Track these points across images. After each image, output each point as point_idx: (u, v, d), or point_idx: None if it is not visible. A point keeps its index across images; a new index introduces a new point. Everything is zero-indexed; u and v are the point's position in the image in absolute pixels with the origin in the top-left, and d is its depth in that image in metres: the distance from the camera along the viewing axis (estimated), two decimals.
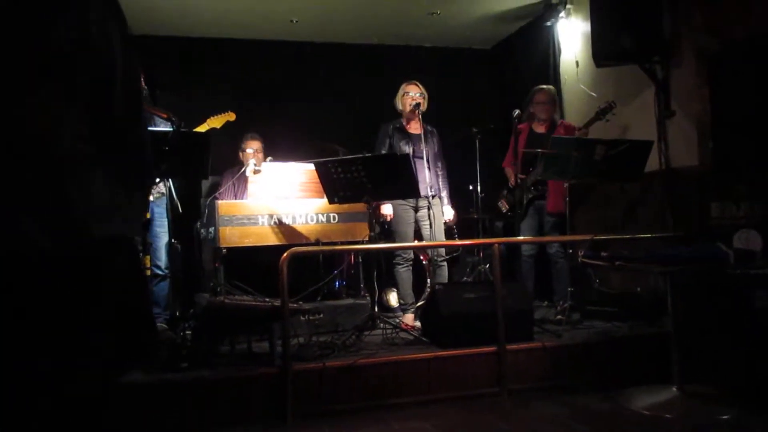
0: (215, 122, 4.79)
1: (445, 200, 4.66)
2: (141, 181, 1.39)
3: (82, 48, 1.21)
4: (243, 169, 4.60)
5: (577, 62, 5.25)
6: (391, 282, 4.97)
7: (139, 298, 1.42)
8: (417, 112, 4.46)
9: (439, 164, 4.67)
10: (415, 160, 4.36)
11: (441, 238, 4.53)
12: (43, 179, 1.15)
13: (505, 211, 4.97)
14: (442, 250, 4.61)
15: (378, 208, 4.56)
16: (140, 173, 1.38)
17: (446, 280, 4.56)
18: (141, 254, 3.26)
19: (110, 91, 1.26)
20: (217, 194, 4.45)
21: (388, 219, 4.56)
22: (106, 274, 1.28)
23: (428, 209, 4.35)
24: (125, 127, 1.32)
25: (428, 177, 4.40)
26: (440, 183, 4.66)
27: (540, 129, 4.66)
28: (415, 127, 4.60)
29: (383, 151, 4.52)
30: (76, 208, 1.18)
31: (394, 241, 4.60)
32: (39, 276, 1.15)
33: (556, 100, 4.76)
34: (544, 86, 4.77)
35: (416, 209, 4.48)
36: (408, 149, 4.45)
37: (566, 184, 4.12)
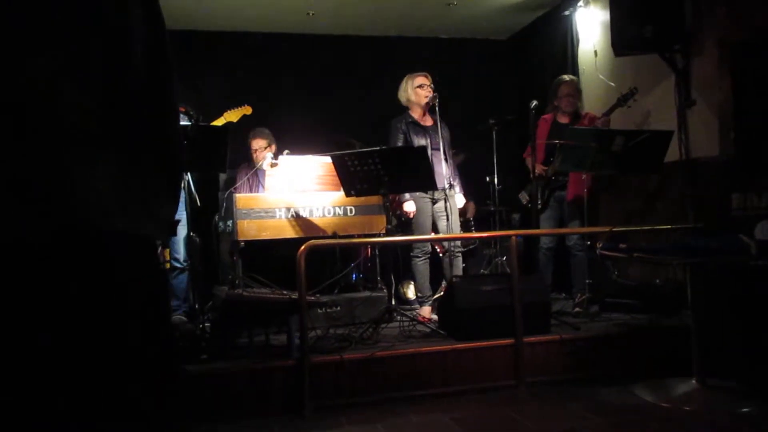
0: (232, 116, 4.81)
1: (457, 188, 4.62)
2: (170, 175, 1.26)
3: (93, 18, 1.12)
4: (260, 163, 4.61)
5: (595, 52, 5.19)
6: (408, 275, 4.98)
7: (157, 324, 1.26)
8: (436, 103, 4.35)
9: (450, 154, 4.63)
10: (432, 152, 4.35)
11: (457, 230, 4.51)
12: (38, 157, 1.04)
13: (525, 202, 4.94)
14: (458, 242, 4.59)
15: (400, 205, 4.54)
16: (170, 165, 1.25)
17: (461, 272, 4.54)
18: (162, 259, 3.22)
19: (127, 72, 1.16)
20: (233, 188, 4.48)
21: (411, 216, 4.50)
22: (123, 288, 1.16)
23: (445, 201, 4.34)
24: (150, 112, 1.20)
25: (444, 169, 4.39)
26: (453, 173, 4.62)
27: (564, 120, 4.60)
28: (427, 120, 4.56)
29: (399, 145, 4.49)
30: (79, 195, 1.06)
31: (411, 234, 4.59)
32: (35, 275, 1.05)
33: (579, 90, 4.71)
34: (567, 77, 4.70)
35: (434, 201, 4.46)
36: (425, 142, 4.43)
37: (584, 176, 4.08)
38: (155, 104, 1.22)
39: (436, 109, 4.33)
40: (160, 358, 1.28)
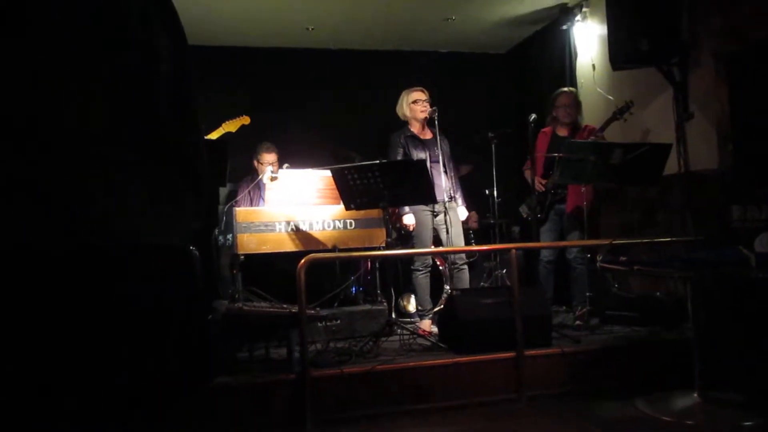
0: (230, 126, 4.83)
1: (459, 201, 4.63)
2: (195, 187, 1.29)
3: (120, 46, 1.16)
4: (260, 177, 4.63)
5: (593, 65, 5.22)
6: (408, 288, 4.97)
7: (190, 314, 1.31)
8: (435, 117, 4.37)
9: (451, 167, 4.65)
10: (432, 165, 4.36)
11: (459, 243, 4.50)
12: (64, 178, 1.08)
13: (525, 216, 4.94)
14: (463, 256, 4.57)
15: (399, 218, 4.55)
16: (194, 178, 1.29)
17: (467, 285, 4.53)
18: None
19: (154, 95, 1.20)
20: (234, 202, 4.49)
21: (411, 229, 4.51)
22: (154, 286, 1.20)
23: (445, 214, 4.34)
24: (175, 127, 1.24)
25: (444, 182, 4.40)
26: (454, 185, 4.64)
27: (563, 132, 4.61)
28: (426, 133, 4.58)
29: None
30: (100, 208, 1.11)
31: (412, 247, 4.59)
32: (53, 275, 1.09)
33: (579, 102, 4.71)
34: (566, 89, 4.73)
35: (435, 214, 4.46)
36: (424, 155, 4.44)
37: (584, 189, 4.09)
38: (180, 119, 1.26)
39: (435, 122, 4.35)
40: (195, 361, 1.36)
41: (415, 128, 4.57)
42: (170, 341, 1.23)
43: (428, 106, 4.47)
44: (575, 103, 4.65)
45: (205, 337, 1.31)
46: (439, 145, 4.37)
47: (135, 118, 1.17)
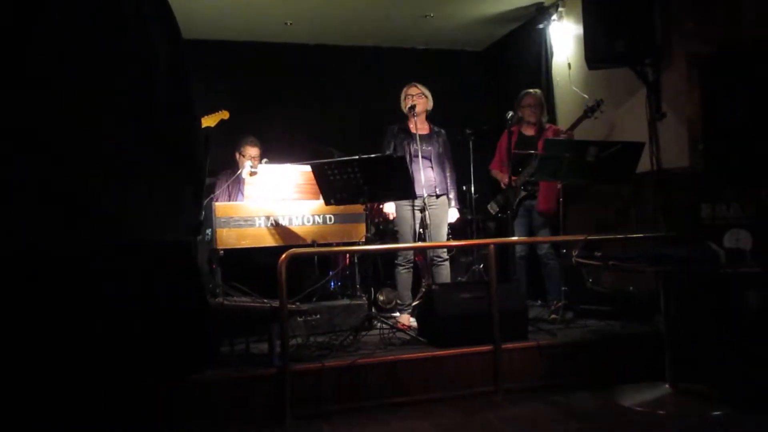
0: (209, 121, 4.79)
1: (452, 202, 4.66)
2: (196, 184, 1.31)
3: (118, 44, 1.16)
4: (239, 171, 4.62)
5: (569, 64, 5.31)
6: (386, 282, 5.01)
7: (192, 303, 1.31)
8: (413, 113, 4.48)
9: (446, 164, 4.67)
10: (422, 160, 4.40)
11: (440, 239, 4.55)
12: (69, 179, 1.10)
13: (494, 213, 5.02)
14: (444, 251, 4.62)
15: (380, 210, 4.59)
16: (195, 175, 1.31)
17: (448, 280, 4.58)
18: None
19: (154, 89, 1.21)
20: (213, 196, 4.47)
21: (391, 218, 4.59)
22: (155, 279, 1.22)
23: (425, 210, 4.38)
24: (174, 125, 1.25)
25: (431, 177, 4.46)
26: (448, 183, 4.65)
27: (529, 132, 4.72)
28: (420, 128, 4.62)
29: (388, 152, 4.55)
30: (105, 209, 1.12)
31: (394, 241, 4.64)
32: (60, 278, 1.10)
33: (543, 103, 4.79)
34: (531, 90, 4.82)
35: (420, 209, 4.50)
36: (411, 149, 4.47)
37: (559, 185, 4.17)
38: (180, 118, 1.28)
39: (420, 116, 4.48)
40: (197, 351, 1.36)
41: (411, 122, 4.61)
42: (167, 337, 1.25)
43: (417, 101, 4.53)
44: (539, 104, 4.74)
45: (204, 328, 1.32)
46: (428, 140, 4.43)
47: (136, 115, 1.18)
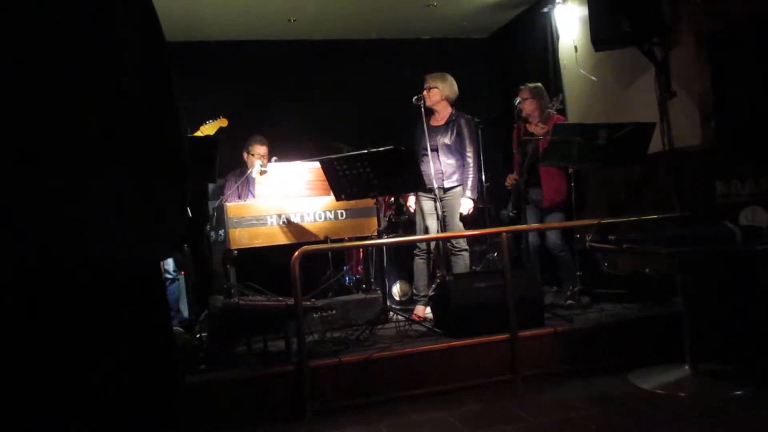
0: (208, 129, 4.81)
1: (466, 192, 4.56)
2: (177, 184, 1.18)
3: (90, 48, 1.06)
4: (249, 171, 4.63)
5: (575, 47, 5.25)
6: (401, 275, 5.01)
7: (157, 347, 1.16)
8: (421, 105, 4.43)
9: (460, 153, 4.56)
10: (430, 152, 4.39)
11: (454, 229, 4.53)
12: (25, 186, 0.96)
13: (508, 220, 4.88)
14: (460, 241, 4.59)
15: (406, 198, 4.66)
16: (176, 175, 1.18)
17: (466, 270, 4.55)
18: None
19: (128, 93, 1.10)
20: (222, 197, 4.49)
21: (412, 210, 4.59)
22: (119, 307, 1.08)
23: (438, 201, 4.38)
24: (151, 123, 1.14)
25: (439, 168, 4.45)
26: (462, 173, 4.56)
27: (532, 127, 4.66)
28: (436, 119, 4.59)
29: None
30: (68, 222, 0.99)
31: (406, 234, 4.66)
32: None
33: (539, 94, 4.67)
34: (526, 84, 4.74)
35: (434, 200, 4.48)
36: (425, 142, 4.44)
37: (564, 176, 4.16)
38: (156, 115, 1.17)
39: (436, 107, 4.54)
40: (162, 371, 1.23)
41: (430, 116, 4.60)
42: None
43: (425, 96, 4.52)
44: (535, 95, 4.65)
45: (165, 363, 1.18)
46: (442, 131, 4.43)
47: (109, 121, 1.08)
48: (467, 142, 4.57)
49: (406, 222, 5.08)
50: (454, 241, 4.54)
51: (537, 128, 4.58)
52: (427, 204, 4.54)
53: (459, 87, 4.59)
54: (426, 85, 4.57)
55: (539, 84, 4.76)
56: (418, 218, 4.58)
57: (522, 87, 4.72)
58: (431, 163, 4.42)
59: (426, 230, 4.56)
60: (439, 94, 4.55)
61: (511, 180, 4.69)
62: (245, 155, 4.99)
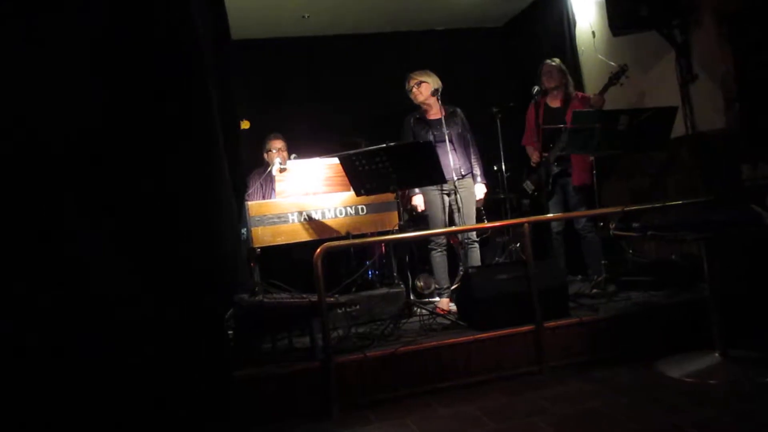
0: None
1: (478, 178, 4.62)
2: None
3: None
4: (269, 169, 4.65)
5: (593, 32, 5.18)
6: (423, 268, 5.01)
7: None
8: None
9: (468, 142, 4.61)
10: (438, 144, 4.36)
11: (470, 221, 4.53)
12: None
13: (530, 191, 4.92)
14: (472, 233, 4.60)
15: (409, 199, 4.59)
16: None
17: (478, 263, 4.57)
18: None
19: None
20: (246, 195, 4.51)
21: (420, 210, 4.58)
22: None
23: (455, 193, 4.36)
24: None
25: (452, 160, 4.41)
26: (472, 161, 4.61)
27: (555, 103, 4.64)
28: (433, 113, 4.59)
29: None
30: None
31: (425, 228, 4.63)
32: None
33: (562, 70, 4.66)
34: (548, 60, 4.72)
35: (447, 193, 4.49)
36: (429, 136, 4.45)
37: (591, 158, 4.09)
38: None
39: (428, 102, 4.46)
40: (216, 366, 1.31)
41: (424, 110, 4.58)
42: None
43: (416, 92, 4.52)
44: (558, 70, 4.62)
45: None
46: (444, 123, 4.40)
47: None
48: (469, 130, 4.65)
49: (426, 217, 5.06)
50: (467, 234, 4.53)
51: (558, 103, 4.56)
52: (444, 197, 4.51)
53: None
54: (413, 82, 4.55)
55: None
56: (434, 212, 4.53)
57: (546, 61, 4.68)
58: (449, 155, 4.40)
59: (448, 223, 4.54)
60: (429, 88, 4.52)
61: (537, 157, 4.64)
62: (265, 155, 5.01)
